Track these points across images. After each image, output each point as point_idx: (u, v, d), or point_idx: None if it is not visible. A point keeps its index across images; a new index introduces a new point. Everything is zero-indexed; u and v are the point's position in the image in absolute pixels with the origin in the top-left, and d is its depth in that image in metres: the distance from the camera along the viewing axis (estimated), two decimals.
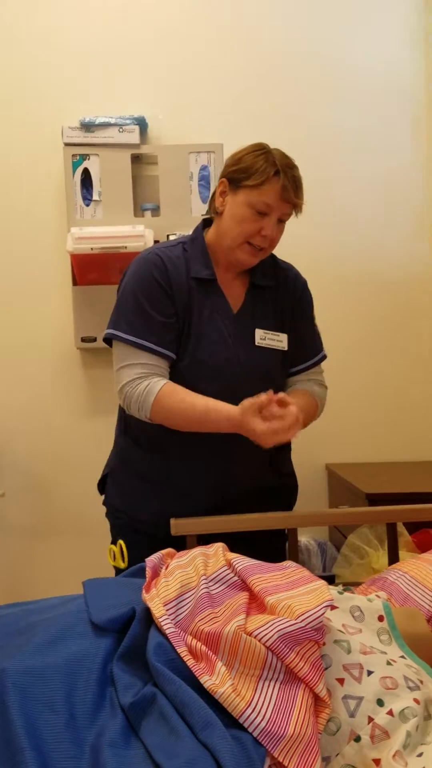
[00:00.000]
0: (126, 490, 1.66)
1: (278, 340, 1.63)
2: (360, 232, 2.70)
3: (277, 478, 1.68)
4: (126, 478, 1.67)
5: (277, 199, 1.49)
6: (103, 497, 1.77)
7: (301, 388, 1.67)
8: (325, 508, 2.59)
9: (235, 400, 1.50)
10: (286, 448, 1.71)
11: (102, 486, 1.77)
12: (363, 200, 2.70)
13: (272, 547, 1.66)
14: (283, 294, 1.67)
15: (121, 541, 1.59)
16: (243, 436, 1.44)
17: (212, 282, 1.59)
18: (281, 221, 1.55)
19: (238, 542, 1.39)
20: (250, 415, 1.40)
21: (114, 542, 1.65)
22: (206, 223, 1.66)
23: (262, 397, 1.39)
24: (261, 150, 1.52)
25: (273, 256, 1.69)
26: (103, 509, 1.76)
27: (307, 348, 1.70)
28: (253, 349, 1.59)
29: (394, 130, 2.70)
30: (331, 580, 1.92)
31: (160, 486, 1.60)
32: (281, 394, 1.43)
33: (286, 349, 1.63)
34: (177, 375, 1.56)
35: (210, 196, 1.67)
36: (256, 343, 1.60)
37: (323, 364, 1.74)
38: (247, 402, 1.40)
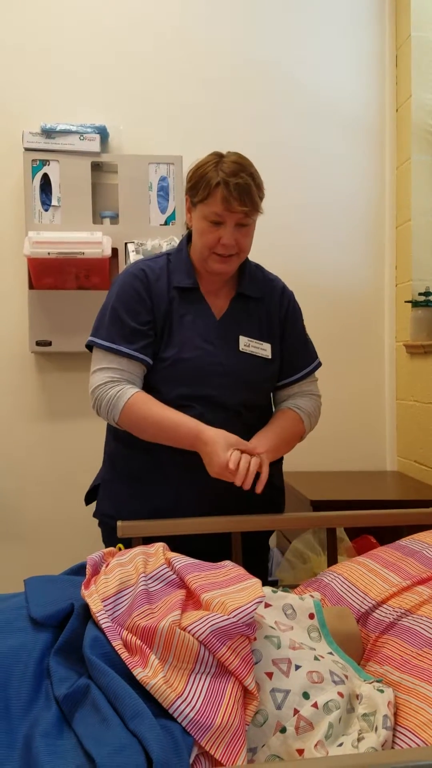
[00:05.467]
0: (117, 496, 1.66)
1: (262, 349, 1.64)
2: (315, 251, 2.78)
3: (268, 490, 1.65)
4: (117, 483, 1.67)
5: (223, 210, 1.51)
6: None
7: (288, 410, 1.68)
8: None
9: (218, 407, 1.54)
10: (279, 460, 1.72)
11: (90, 498, 1.77)
12: (320, 220, 2.78)
13: (256, 559, 1.70)
14: (270, 306, 1.68)
15: (120, 545, 1.60)
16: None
17: (194, 290, 1.63)
18: (242, 225, 1.55)
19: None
20: (223, 446, 1.46)
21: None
22: (190, 236, 1.68)
23: (257, 451, 1.49)
24: (211, 162, 1.54)
25: (261, 269, 1.73)
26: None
27: (299, 359, 1.72)
28: (237, 355, 1.61)
29: (354, 155, 2.79)
30: (274, 584, 1.97)
31: (150, 487, 1.61)
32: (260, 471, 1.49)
33: (269, 357, 1.65)
34: (160, 378, 1.58)
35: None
36: (240, 349, 1.62)
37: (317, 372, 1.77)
38: (234, 439, 1.48)
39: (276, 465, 1.70)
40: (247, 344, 1.63)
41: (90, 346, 1.63)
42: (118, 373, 1.56)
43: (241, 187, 1.50)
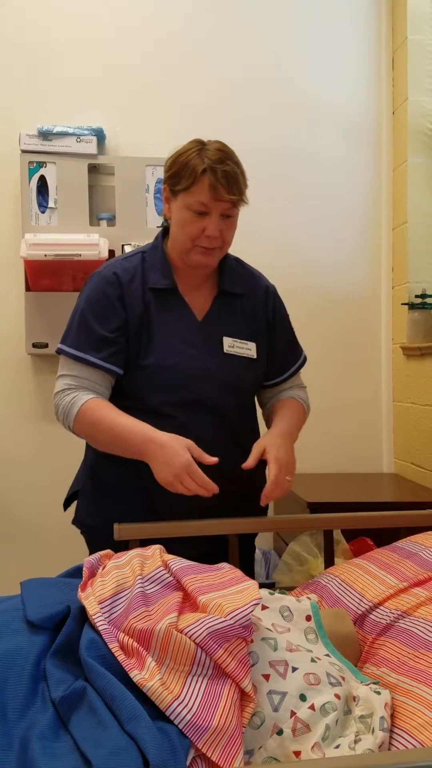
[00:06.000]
0: (97, 506, 1.63)
1: (247, 348, 1.60)
2: (312, 253, 2.78)
3: (252, 492, 1.59)
4: (96, 493, 1.63)
5: (209, 199, 1.45)
6: (66, 514, 1.71)
7: (289, 399, 1.67)
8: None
9: (203, 412, 1.50)
10: (260, 462, 1.63)
11: (68, 504, 1.73)
12: (317, 222, 2.78)
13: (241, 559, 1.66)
14: (254, 303, 1.64)
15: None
16: (224, 450, 1.47)
17: (172, 291, 1.57)
18: (227, 216, 1.49)
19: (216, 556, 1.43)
20: (182, 446, 1.39)
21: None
22: (166, 231, 1.63)
23: (208, 459, 1.40)
24: (193, 149, 1.47)
25: (241, 262, 1.68)
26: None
27: (289, 357, 1.70)
28: (221, 357, 1.57)
29: (351, 157, 2.80)
30: (271, 586, 1.97)
31: (126, 497, 1.57)
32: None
33: (254, 357, 1.61)
34: (140, 386, 1.54)
35: None
36: (225, 351, 1.57)
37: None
38: (189, 442, 1.40)
39: (258, 466, 1.62)
40: (231, 345, 1.58)
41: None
42: (77, 380, 1.52)
43: (228, 174, 1.45)
